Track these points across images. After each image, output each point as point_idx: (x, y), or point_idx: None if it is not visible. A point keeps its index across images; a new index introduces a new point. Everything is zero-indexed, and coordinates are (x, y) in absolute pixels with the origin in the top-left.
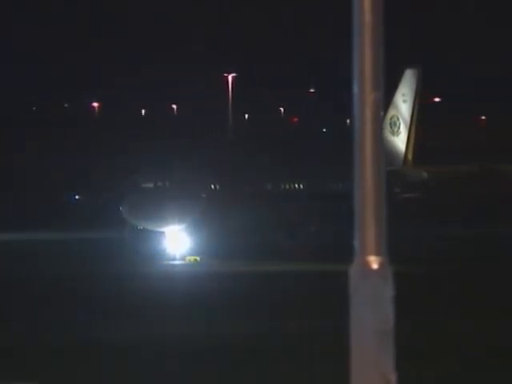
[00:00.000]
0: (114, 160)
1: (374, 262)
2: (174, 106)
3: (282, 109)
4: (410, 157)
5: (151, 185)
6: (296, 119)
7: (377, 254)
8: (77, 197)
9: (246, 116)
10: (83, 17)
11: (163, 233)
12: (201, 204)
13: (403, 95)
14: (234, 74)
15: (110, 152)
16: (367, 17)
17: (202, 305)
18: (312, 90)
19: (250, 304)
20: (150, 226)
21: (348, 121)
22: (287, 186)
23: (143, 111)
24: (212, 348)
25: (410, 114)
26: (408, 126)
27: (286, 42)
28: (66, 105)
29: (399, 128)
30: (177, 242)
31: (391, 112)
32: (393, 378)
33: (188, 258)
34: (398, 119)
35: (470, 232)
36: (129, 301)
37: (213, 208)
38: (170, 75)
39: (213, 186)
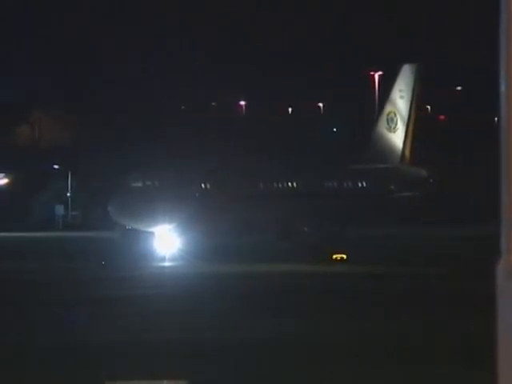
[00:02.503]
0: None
1: None
2: (321, 105)
3: (428, 107)
4: (407, 154)
5: (140, 184)
6: (443, 117)
7: None
8: None
9: None
10: (232, 19)
11: (153, 233)
12: (191, 203)
13: (400, 91)
14: (380, 73)
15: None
16: None
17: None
18: (459, 88)
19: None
20: (139, 226)
21: (496, 119)
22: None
23: (290, 110)
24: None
25: (408, 110)
26: (405, 123)
27: (434, 38)
28: (213, 103)
29: (396, 124)
30: (166, 242)
31: (388, 108)
32: None
33: (334, 256)
34: (395, 115)
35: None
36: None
37: (203, 208)
38: (316, 74)
39: (203, 186)
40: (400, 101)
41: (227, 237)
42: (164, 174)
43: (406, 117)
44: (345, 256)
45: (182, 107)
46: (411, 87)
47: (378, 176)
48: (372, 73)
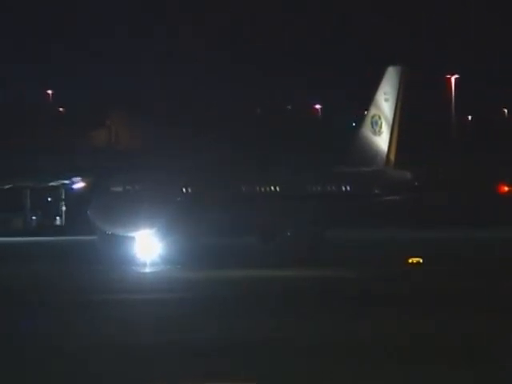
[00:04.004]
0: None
1: None
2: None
3: (505, 110)
4: (392, 157)
5: (120, 188)
6: None
7: None
8: None
9: (470, 117)
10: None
11: (133, 238)
12: (172, 208)
13: (385, 93)
14: (456, 76)
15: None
16: None
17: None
18: None
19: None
20: (119, 231)
21: None
22: None
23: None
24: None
25: (393, 113)
26: (391, 126)
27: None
28: (288, 106)
29: (381, 127)
30: (147, 246)
31: (372, 111)
32: None
33: (411, 259)
34: (379, 118)
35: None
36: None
37: (184, 212)
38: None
39: (185, 190)
40: (384, 103)
41: (209, 241)
42: (144, 178)
43: (390, 120)
44: (421, 260)
45: (258, 110)
46: (396, 89)
47: (363, 179)
48: (448, 76)
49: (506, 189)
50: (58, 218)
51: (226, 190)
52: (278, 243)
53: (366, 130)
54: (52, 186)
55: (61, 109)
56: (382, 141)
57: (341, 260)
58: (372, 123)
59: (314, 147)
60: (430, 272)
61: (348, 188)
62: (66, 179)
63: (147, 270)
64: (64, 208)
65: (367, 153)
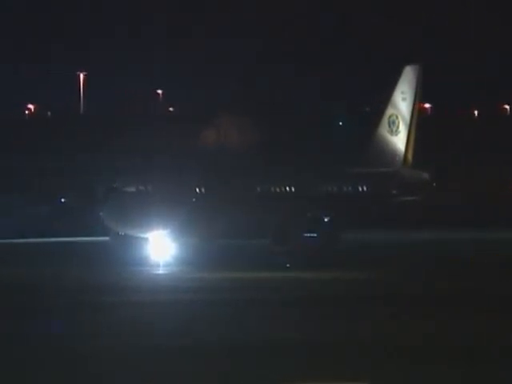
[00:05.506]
0: None
1: None
2: (507, 107)
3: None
4: (409, 157)
5: (133, 189)
6: None
7: None
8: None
9: None
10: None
11: (147, 239)
12: (186, 208)
13: (402, 93)
14: None
15: None
16: None
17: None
18: None
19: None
20: (132, 232)
21: None
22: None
23: (476, 112)
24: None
25: (410, 112)
26: (408, 126)
27: None
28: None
29: (398, 127)
30: (161, 247)
31: (390, 111)
32: None
33: None
34: (397, 118)
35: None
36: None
37: (198, 212)
38: (503, 74)
39: (198, 190)
40: (402, 103)
41: (223, 242)
42: (157, 179)
43: (408, 119)
44: None
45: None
46: (414, 89)
47: (379, 179)
48: None
49: None
50: None
51: (240, 191)
52: (291, 245)
53: (383, 130)
54: None
55: (171, 108)
56: (399, 141)
57: (356, 262)
58: (389, 123)
59: (328, 147)
60: None
61: (364, 188)
62: None
63: (160, 271)
64: None
65: (384, 153)
